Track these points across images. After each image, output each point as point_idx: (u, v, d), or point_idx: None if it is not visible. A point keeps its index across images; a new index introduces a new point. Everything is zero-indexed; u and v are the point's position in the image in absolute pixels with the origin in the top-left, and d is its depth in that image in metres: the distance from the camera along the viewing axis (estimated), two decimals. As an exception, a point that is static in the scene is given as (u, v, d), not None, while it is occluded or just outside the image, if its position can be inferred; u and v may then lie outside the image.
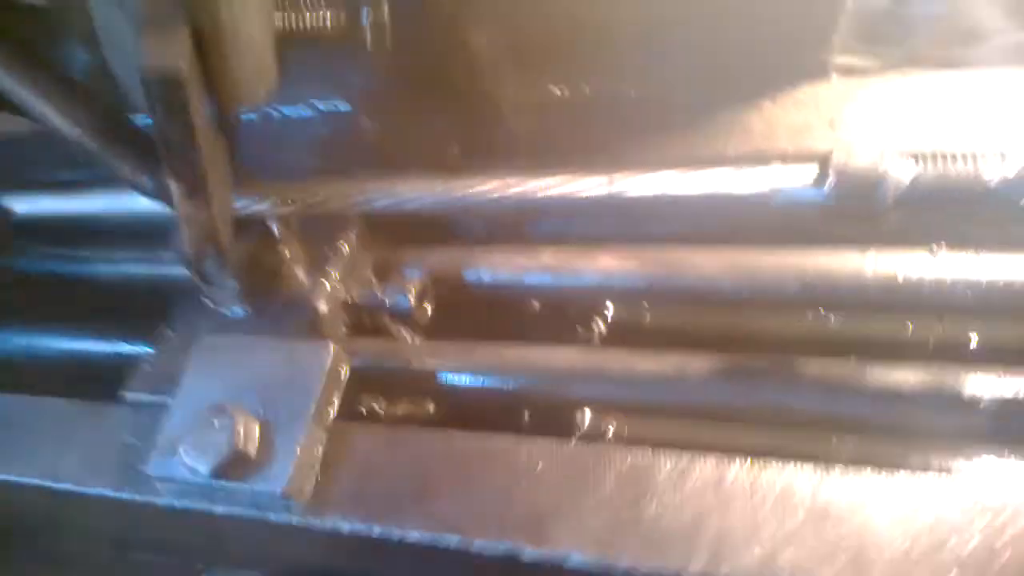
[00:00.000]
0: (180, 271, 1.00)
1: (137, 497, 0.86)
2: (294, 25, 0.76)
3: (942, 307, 0.79)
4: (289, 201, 0.90)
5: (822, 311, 0.85)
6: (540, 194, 0.85)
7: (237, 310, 0.97)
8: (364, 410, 0.91)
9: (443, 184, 0.88)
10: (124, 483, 0.87)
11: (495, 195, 0.86)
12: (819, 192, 0.73)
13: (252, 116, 1.18)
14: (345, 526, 0.77)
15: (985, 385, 0.72)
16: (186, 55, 0.63)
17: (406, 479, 0.78)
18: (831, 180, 0.71)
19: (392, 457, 0.80)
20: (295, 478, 0.78)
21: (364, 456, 0.81)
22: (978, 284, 0.77)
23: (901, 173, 0.69)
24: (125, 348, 1.10)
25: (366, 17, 0.75)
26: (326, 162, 1.11)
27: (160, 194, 0.91)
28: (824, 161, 0.72)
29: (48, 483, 0.91)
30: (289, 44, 0.76)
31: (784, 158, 0.85)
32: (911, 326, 0.83)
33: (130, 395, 0.94)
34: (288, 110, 1.18)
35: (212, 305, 0.99)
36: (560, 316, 1.01)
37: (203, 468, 0.77)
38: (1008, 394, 0.72)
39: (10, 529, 1.09)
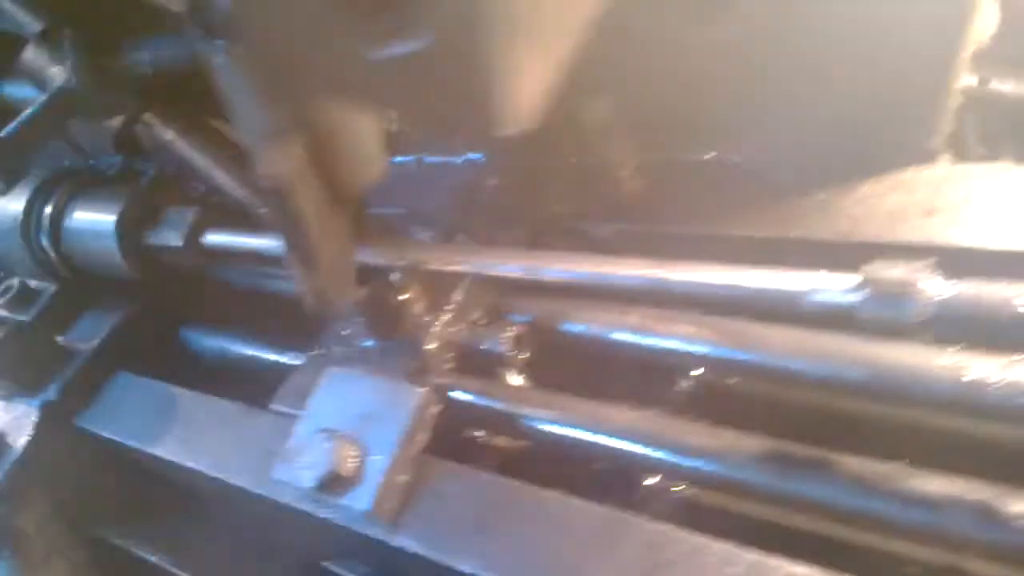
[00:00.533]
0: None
1: (263, 493, 1.04)
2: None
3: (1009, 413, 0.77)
4: (402, 259, 1.04)
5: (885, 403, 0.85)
6: (614, 275, 0.92)
7: (365, 342, 1.14)
8: (455, 442, 1.04)
9: (528, 259, 0.98)
10: (258, 481, 1.06)
11: (569, 273, 0.94)
12: (851, 300, 0.74)
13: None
14: (413, 548, 0.90)
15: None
16: (298, 164, 0.77)
17: (468, 517, 0.89)
18: (864, 291, 0.72)
19: (461, 495, 0.92)
20: (380, 500, 0.92)
21: (439, 490, 0.93)
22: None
23: (934, 290, 0.69)
24: (284, 359, 1.31)
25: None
26: (455, 208, 1.25)
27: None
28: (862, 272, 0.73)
29: (206, 470, 1.13)
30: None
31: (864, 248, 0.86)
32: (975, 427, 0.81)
33: (274, 406, 1.13)
34: (432, 159, 1.33)
35: (345, 336, 1.16)
36: (641, 372, 1.08)
37: (309, 481, 0.94)
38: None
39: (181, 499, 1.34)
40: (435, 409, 0.99)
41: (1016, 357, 0.73)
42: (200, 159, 1.01)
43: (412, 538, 0.90)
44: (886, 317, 0.70)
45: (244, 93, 0.68)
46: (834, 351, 0.87)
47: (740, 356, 0.94)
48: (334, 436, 0.96)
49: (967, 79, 0.93)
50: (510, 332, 1.08)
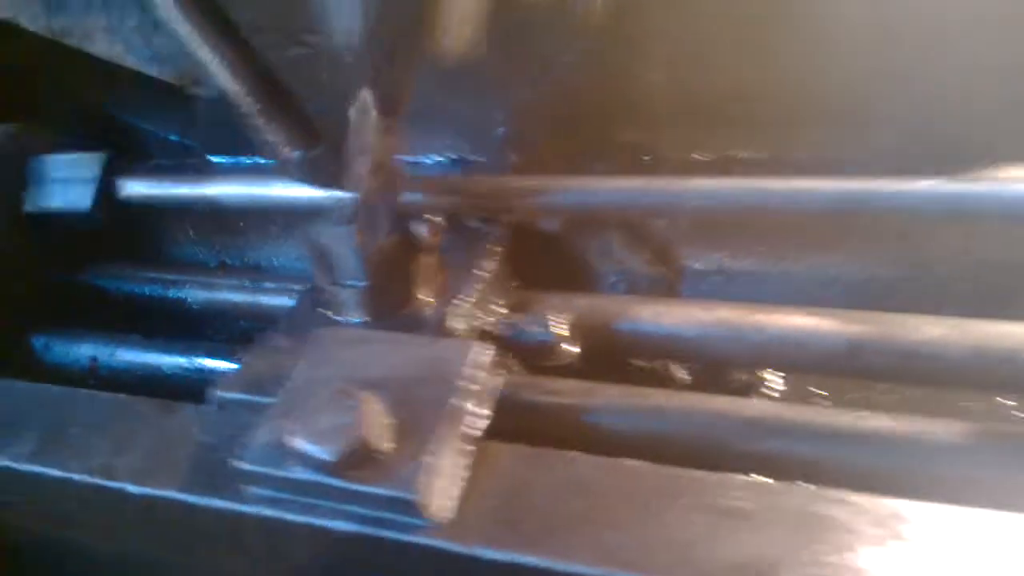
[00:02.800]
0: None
1: (214, 501, 0.69)
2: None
3: None
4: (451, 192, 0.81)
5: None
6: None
7: (355, 318, 0.85)
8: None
9: (630, 181, 0.79)
10: (197, 484, 0.71)
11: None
12: None
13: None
14: (491, 553, 0.60)
15: None
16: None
17: (566, 505, 0.62)
18: None
19: (549, 480, 0.64)
20: (432, 489, 0.62)
21: (513, 475, 0.65)
22: None
23: None
24: (209, 364, 0.96)
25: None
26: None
27: (307, 173, 0.83)
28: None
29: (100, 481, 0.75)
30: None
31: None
32: None
33: (221, 394, 0.79)
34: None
35: (328, 311, 0.87)
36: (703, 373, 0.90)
37: (325, 455, 0.62)
38: None
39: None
40: (500, 377, 0.72)
41: None
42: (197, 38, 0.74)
43: (489, 540, 0.60)
44: None
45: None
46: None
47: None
48: (353, 395, 0.66)
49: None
50: (557, 322, 0.86)
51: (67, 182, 1.01)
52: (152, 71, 1.22)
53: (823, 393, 0.98)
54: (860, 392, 0.97)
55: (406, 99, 0.65)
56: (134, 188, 1.01)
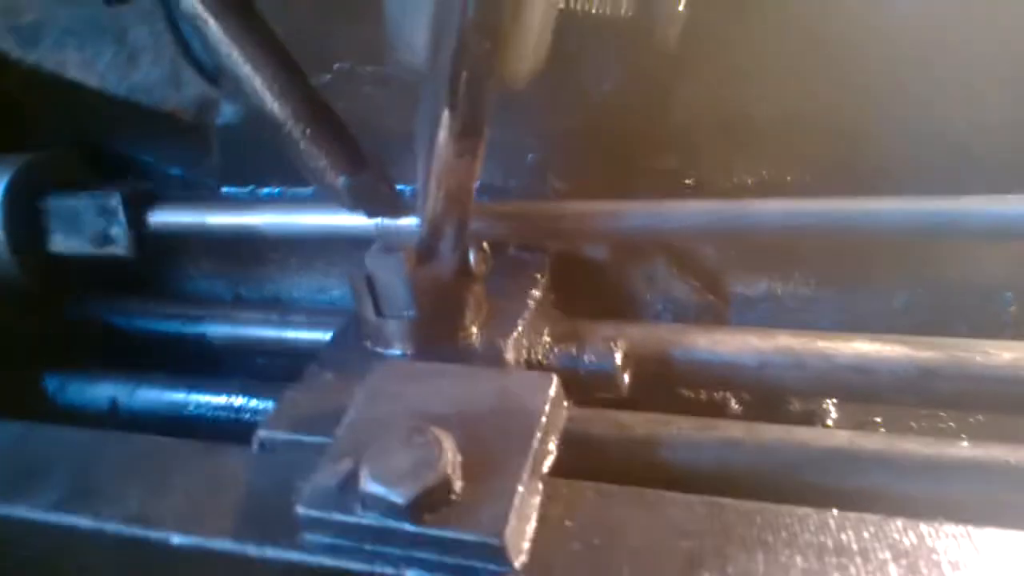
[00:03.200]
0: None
1: (269, 551, 0.64)
2: (581, 6, 0.68)
3: None
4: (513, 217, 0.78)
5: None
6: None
7: (400, 350, 0.81)
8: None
9: (707, 205, 0.77)
10: (248, 532, 0.65)
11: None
12: None
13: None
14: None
15: None
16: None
17: (663, 549, 0.58)
18: None
19: (641, 520, 0.60)
20: (513, 530, 0.58)
21: (594, 516, 0.61)
22: None
23: None
24: (241, 402, 0.91)
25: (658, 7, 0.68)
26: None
27: (355, 199, 0.79)
28: None
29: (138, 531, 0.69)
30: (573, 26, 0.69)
31: None
32: None
33: (266, 434, 0.74)
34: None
35: (371, 343, 0.83)
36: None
37: (399, 497, 0.57)
38: None
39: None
40: (566, 408, 0.68)
41: None
42: (243, 63, 0.71)
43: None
44: None
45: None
46: None
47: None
48: (427, 431, 0.61)
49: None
50: (616, 350, 0.82)
51: (87, 218, 0.97)
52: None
53: (877, 420, 0.95)
54: (912, 419, 0.95)
55: (485, 123, 0.62)
56: (163, 220, 0.96)
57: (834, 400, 0.92)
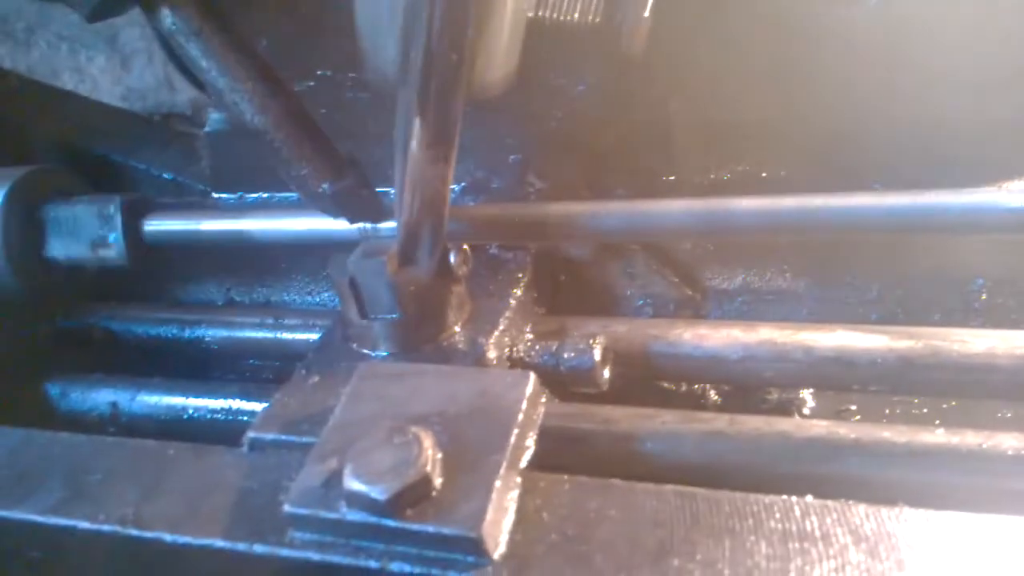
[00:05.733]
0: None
1: (258, 548, 0.66)
2: (549, 14, 0.70)
3: None
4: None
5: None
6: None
7: (385, 351, 0.84)
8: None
9: (687, 204, 0.79)
10: (238, 531, 0.68)
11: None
12: None
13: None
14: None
15: None
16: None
17: (635, 538, 0.60)
18: None
19: (616, 511, 0.62)
20: (491, 524, 0.60)
21: (570, 508, 0.63)
22: None
23: None
24: (238, 405, 0.93)
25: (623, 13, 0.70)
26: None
27: (337, 205, 0.82)
28: None
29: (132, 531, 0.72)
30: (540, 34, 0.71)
31: None
32: None
33: (255, 435, 0.77)
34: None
35: (356, 345, 0.85)
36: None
37: (381, 494, 0.60)
38: None
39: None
40: (543, 404, 0.71)
41: None
42: (220, 75, 0.72)
43: None
44: None
45: None
46: None
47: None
48: (408, 431, 0.64)
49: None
50: (595, 345, 0.84)
51: (85, 224, 0.99)
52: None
53: (852, 408, 0.97)
54: (888, 407, 0.97)
55: (455, 131, 0.64)
56: (158, 227, 0.99)
57: (811, 389, 0.94)
